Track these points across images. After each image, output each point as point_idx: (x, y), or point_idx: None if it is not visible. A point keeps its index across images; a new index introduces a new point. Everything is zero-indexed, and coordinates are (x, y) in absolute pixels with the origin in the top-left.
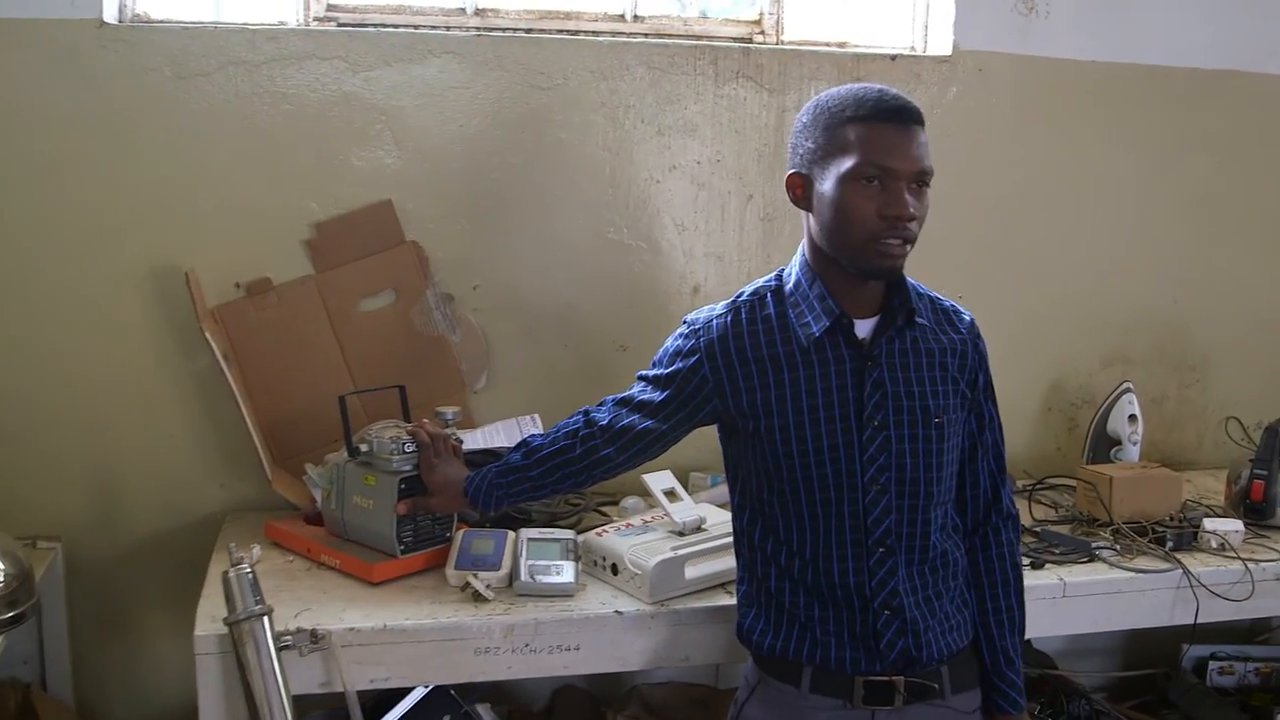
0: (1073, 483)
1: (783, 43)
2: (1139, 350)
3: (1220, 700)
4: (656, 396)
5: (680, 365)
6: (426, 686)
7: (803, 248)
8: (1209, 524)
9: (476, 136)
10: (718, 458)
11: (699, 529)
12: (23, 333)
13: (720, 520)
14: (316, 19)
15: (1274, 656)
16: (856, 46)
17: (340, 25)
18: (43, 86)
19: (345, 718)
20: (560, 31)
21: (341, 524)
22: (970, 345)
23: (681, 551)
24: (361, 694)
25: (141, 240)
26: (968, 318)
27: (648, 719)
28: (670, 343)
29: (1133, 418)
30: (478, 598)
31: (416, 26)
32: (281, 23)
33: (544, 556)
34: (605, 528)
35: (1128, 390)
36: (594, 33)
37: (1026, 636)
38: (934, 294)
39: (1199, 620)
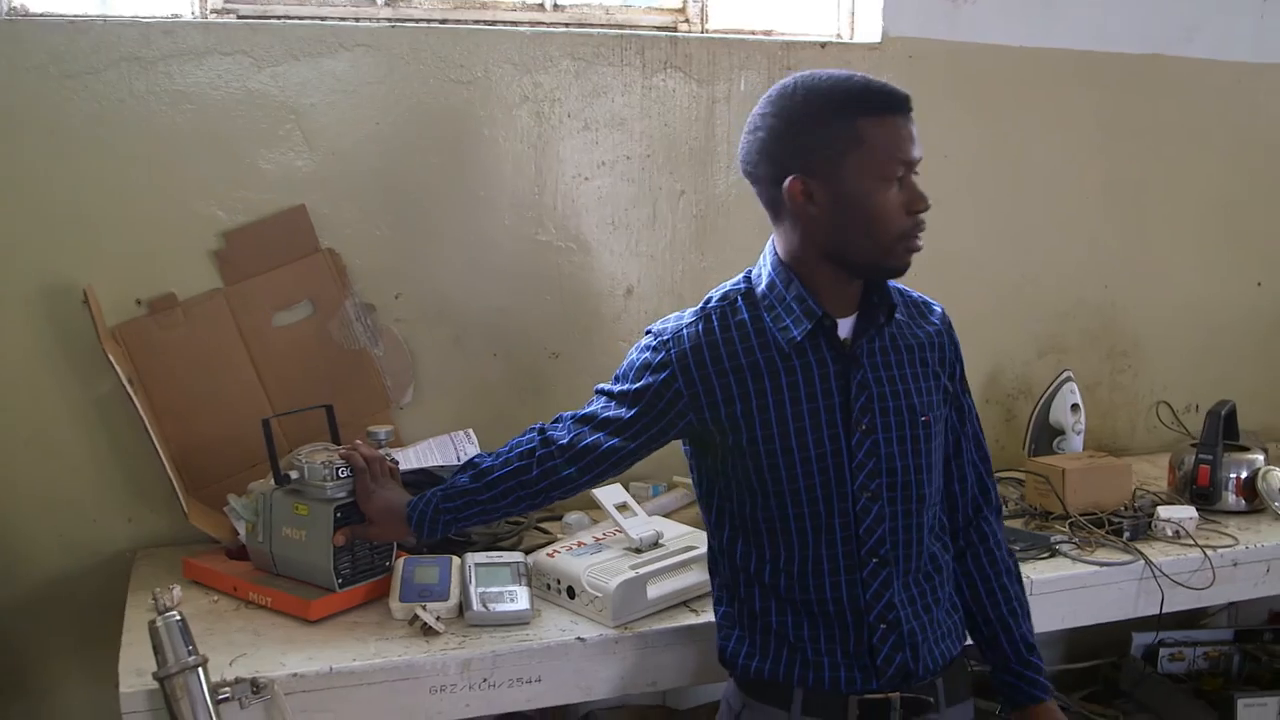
0: (1019, 475)
1: (708, 31)
2: (1071, 339)
3: (1173, 687)
4: (624, 413)
5: (650, 380)
6: None
7: (773, 247)
8: (1163, 512)
9: (394, 135)
10: (659, 467)
11: (656, 544)
12: None
13: (677, 534)
14: (214, 10)
15: (1220, 640)
16: (783, 34)
17: (240, 17)
18: None
19: None
20: (477, 22)
21: (270, 558)
22: (946, 336)
23: (642, 570)
24: None
25: (30, 256)
26: (939, 309)
27: None
28: (635, 355)
29: (1075, 407)
30: (427, 631)
31: (324, 18)
32: (176, 15)
33: (494, 582)
34: (555, 547)
35: (1069, 379)
36: (513, 23)
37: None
38: (900, 285)
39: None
